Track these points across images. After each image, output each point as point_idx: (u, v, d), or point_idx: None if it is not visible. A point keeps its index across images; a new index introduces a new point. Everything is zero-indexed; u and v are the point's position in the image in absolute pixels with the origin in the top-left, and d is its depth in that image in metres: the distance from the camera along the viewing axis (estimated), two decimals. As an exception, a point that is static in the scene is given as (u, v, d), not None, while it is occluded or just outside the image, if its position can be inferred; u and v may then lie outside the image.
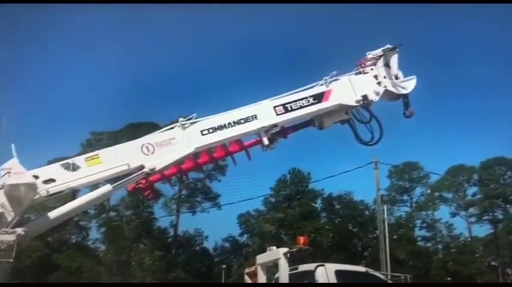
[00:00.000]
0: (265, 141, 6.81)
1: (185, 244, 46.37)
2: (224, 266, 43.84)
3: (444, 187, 50.38)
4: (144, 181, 6.38)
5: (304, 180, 47.35)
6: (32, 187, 5.42)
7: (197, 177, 46.62)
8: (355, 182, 75.60)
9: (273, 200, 47.67)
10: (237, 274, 37.78)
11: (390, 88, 7.42)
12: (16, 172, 5.46)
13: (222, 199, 45.85)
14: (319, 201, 48.27)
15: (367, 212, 47.26)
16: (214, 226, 77.42)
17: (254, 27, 72.73)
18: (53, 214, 5.69)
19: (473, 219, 50.81)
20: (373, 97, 7.29)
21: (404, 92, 7.53)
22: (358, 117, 7.56)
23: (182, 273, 41.61)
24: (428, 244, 50.65)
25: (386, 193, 45.13)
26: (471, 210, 50.96)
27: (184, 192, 46.42)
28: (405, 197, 52.69)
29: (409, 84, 7.55)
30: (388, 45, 7.50)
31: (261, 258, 10.63)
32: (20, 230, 5.23)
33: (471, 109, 76.84)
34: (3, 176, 5.47)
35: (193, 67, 76.16)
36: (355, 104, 7.23)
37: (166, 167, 6.32)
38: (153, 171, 6.16)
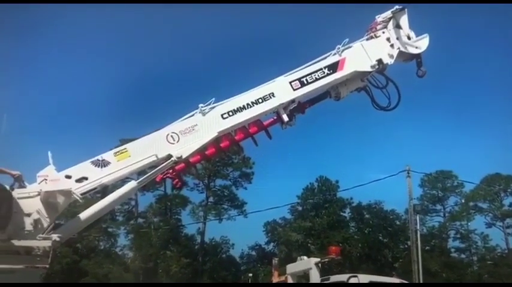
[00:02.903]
0: (285, 117, 6.84)
1: (212, 251, 46.37)
2: (251, 274, 43.48)
3: (479, 196, 48.42)
4: (171, 171, 6.47)
5: (332, 188, 46.47)
6: (68, 193, 5.50)
7: (223, 184, 47.01)
8: (385, 191, 73.90)
9: (300, 208, 47.04)
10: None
11: (404, 49, 7.37)
12: (52, 179, 5.56)
13: (248, 207, 45.86)
14: (347, 210, 47.27)
15: (398, 222, 45.83)
16: (241, 234, 77.02)
17: (255, 9, 70.99)
18: (83, 216, 5.76)
19: (510, 230, 48.65)
20: (387, 60, 7.25)
21: (418, 51, 7.48)
22: (374, 83, 7.53)
23: (208, 281, 41.56)
24: (463, 256, 48.71)
25: (419, 202, 43.92)
26: (508, 221, 48.73)
27: (211, 199, 46.68)
28: (438, 207, 51.08)
29: (422, 43, 7.49)
30: (397, 6, 7.40)
31: (291, 268, 10.44)
32: (55, 236, 5.29)
33: (507, 117, 73.67)
34: (40, 183, 5.58)
35: (208, 61, 75.64)
36: (370, 69, 7.21)
37: (192, 154, 6.40)
38: (180, 159, 6.23)
